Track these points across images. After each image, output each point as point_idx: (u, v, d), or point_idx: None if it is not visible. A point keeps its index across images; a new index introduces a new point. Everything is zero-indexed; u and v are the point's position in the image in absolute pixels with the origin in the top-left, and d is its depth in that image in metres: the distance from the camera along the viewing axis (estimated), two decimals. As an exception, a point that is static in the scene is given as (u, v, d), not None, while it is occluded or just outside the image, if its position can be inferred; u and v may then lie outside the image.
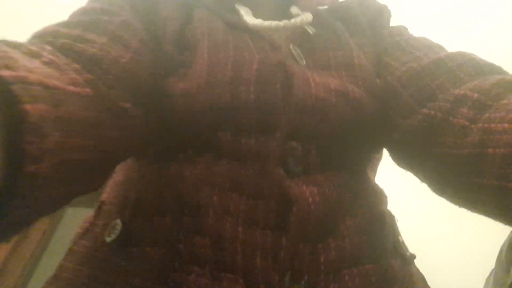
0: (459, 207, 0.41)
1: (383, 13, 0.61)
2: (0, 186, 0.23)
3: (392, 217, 0.48)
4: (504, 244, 0.77)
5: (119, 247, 0.40)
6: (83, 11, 0.46)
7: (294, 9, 0.54)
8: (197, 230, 0.38)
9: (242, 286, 0.35)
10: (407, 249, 0.47)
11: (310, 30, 0.52)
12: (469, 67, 0.43)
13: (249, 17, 0.49)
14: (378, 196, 0.48)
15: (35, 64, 0.29)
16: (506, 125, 0.33)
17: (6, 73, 0.24)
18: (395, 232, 0.47)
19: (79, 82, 0.33)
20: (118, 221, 0.42)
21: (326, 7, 0.59)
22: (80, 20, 0.43)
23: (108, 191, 0.50)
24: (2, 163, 0.23)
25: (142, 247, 0.39)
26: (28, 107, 0.23)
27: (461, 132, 0.38)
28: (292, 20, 0.46)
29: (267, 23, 0.46)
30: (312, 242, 0.39)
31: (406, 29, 0.58)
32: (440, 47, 0.50)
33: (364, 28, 0.59)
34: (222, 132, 0.43)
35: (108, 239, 0.41)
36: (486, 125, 0.35)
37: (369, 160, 0.54)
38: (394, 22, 0.62)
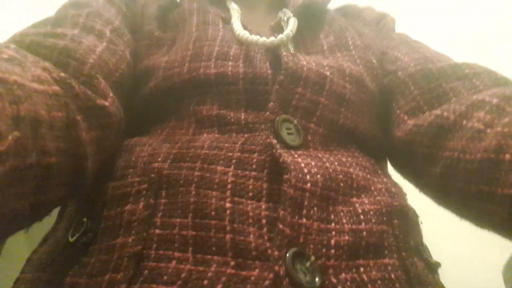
0: (461, 218, 0.39)
1: (387, 17, 0.61)
2: None
3: (416, 215, 0.42)
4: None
5: (85, 245, 0.34)
6: (55, 12, 0.45)
7: (283, 12, 0.52)
8: (176, 210, 0.33)
9: (233, 268, 0.29)
10: (430, 255, 0.41)
11: (291, 47, 0.50)
12: (485, 77, 0.42)
13: (237, 24, 0.48)
14: (398, 188, 0.42)
15: None
16: None
17: None
18: (419, 233, 0.41)
19: (46, 80, 0.30)
20: (84, 219, 0.36)
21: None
22: (48, 18, 0.42)
23: None
24: None
25: (111, 241, 0.33)
26: None
27: (475, 136, 0.35)
28: (279, 36, 0.44)
29: (253, 38, 0.44)
30: (319, 221, 0.33)
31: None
32: (449, 57, 0.49)
33: (369, 21, 0.59)
34: (208, 106, 0.41)
35: (71, 239, 0.35)
36: (506, 129, 0.32)
37: (384, 150, 0.49)
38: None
